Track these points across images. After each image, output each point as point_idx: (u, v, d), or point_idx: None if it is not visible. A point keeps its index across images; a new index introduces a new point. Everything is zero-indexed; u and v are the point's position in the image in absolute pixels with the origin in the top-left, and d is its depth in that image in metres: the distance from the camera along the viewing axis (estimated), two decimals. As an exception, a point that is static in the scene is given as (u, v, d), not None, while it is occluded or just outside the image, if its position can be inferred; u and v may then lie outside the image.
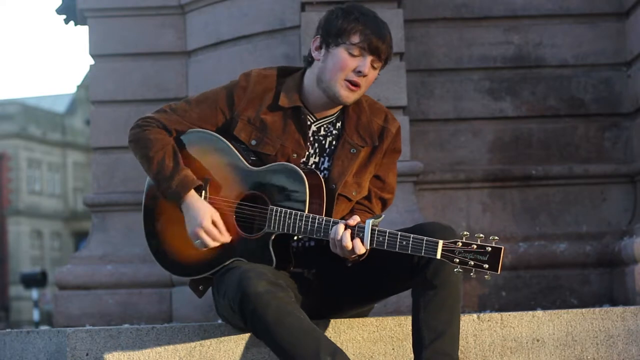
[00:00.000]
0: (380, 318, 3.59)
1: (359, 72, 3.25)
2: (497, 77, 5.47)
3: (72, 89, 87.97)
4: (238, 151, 3.32)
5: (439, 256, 3.07)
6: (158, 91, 5.75)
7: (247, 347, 3.49)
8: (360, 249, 3.12)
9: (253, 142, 3.34)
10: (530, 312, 3.66)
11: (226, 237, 3.25)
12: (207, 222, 3.23)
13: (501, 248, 3.05)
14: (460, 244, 3.06)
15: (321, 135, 3.39)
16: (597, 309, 3.68)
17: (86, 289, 5.62)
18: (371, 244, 3.11)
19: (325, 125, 3.40)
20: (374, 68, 3.29)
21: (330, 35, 3.28)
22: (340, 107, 3.38)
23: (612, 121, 5.48)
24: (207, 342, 3.50)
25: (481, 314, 3.64)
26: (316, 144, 3.38)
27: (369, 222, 3.12)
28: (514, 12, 5.49)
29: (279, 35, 5.38)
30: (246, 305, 3.05)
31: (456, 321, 3.18)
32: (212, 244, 3.24)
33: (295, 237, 3.33)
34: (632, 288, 4.94)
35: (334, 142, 3.39)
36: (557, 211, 5.41)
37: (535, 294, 5.28)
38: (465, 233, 3.08)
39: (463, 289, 5.06)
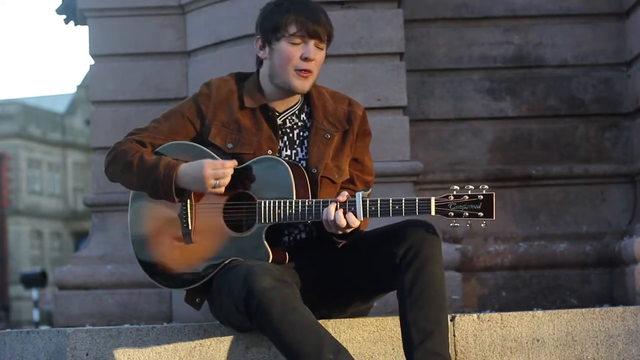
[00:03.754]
0: (380, 318, 3.59)
1: (305, 59, 3.32)
2: (497, 77, 5.48)
3: (72, 89, 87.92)
4: (217, 155, 3.35)
5: (433, 213, 3.13)
6: (158, 91, 5.74)
7: (247, 347, 3.49)
8: (355, 221, 3.17)
9: (229, 145, 3.37)
10: (530, 312, 3.66)
11: (231, 163, 3.27)
12: (207, 167, 3.24)
13: (492, 194, 3.12)
14: (452, 197, 3.13)
15: (287, 128, 3.44)
16: (597, 309, 3.68)
17: (86, 289, 5.62)
18: (364, 215, 3.17)
19: (289, 118, 3.44)
20: (319, 49, 3.36)
21: (269, 32, 3.36)
22: (299, 96, 3.44)
23: (612, 121, 5.48)
24: (207, 342, 3.50)
25: (481, 314, 3.64)
26: (285, 137, 3.42)
27: (359, 194, 3.18)
28: (514, 12, 5.49)
29: (279, 35, 5.37)
30: (251, 301, 3.05)
31: (444, 319, 3.19)
32: (226, 177, 3.24)
33: (286, 232, 3.37)
34: (632, 288, 4.94)
35: (301, 133, 3.44)
36: (557, 211, 5.41)
37: (535, 294, 5.28)
38: (454, 187, 3.14)
39: (462, 289, 5.10)
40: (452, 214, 3.13)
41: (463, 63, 5.47)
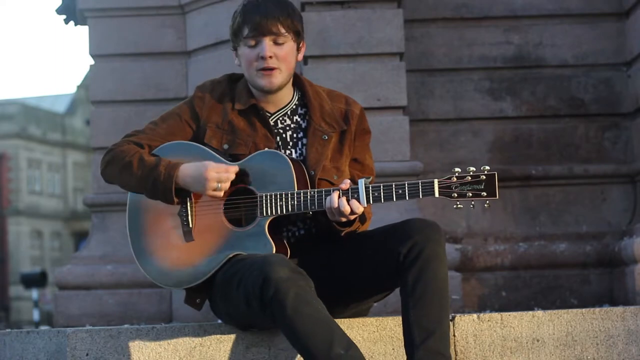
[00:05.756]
0: (380, 318, 3.59)
1: (262, 58, 3.33)
2: (497, 77, 5.48)
3: (72, 89, 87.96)
4: (215, 152, 3.37)
5: (436, 194, 3.15)
6: (158, 91, 5.75)
7: (247, 347, 3.49)
8: (358, 207, 3.20)
9: (225, 147, 3.39)
10: (530, 312, 3.66)
11: (234, 168, 3.28)
12: (210, 169, 3.25)
13: (494, 173, 3.14)
14: (455, 178, 3.16)
15: (280, 129, 3.44)
16: (597, 309, 3.68)
17: (86, 289, 5.62)
18: (368, 201, 3.19)
19: (280, 118, 3.45)
20: (279, 44, 3.35)
21: (232, 40, 3.43)
22: (289, 96, 3.44)
23: (612, 121, 5.48)
24: (207, 342, 3.50)
25: (481, 314, 3.63)
26: (277, 138, 3.43)
27: (362, 181, 3.21)
28: (514, 12, 5.50)
29: (279, 35, 5.37)
30: (267, 290, 3.05)
31: (446, 319, 3.19)
32: (227, 181, 3.25)
33: (285, 229, 3.37)
34: (632, 288, 4.94)
35: (295, 135, 3.44)
36: (557, 211, 5.41)
37: (535, 294, 5.28)
38: (456, 169, 3.16)
39: (462, 289, 5.10)
40: (456, 195, 3.15)
41: (463, 63, 5.47)
